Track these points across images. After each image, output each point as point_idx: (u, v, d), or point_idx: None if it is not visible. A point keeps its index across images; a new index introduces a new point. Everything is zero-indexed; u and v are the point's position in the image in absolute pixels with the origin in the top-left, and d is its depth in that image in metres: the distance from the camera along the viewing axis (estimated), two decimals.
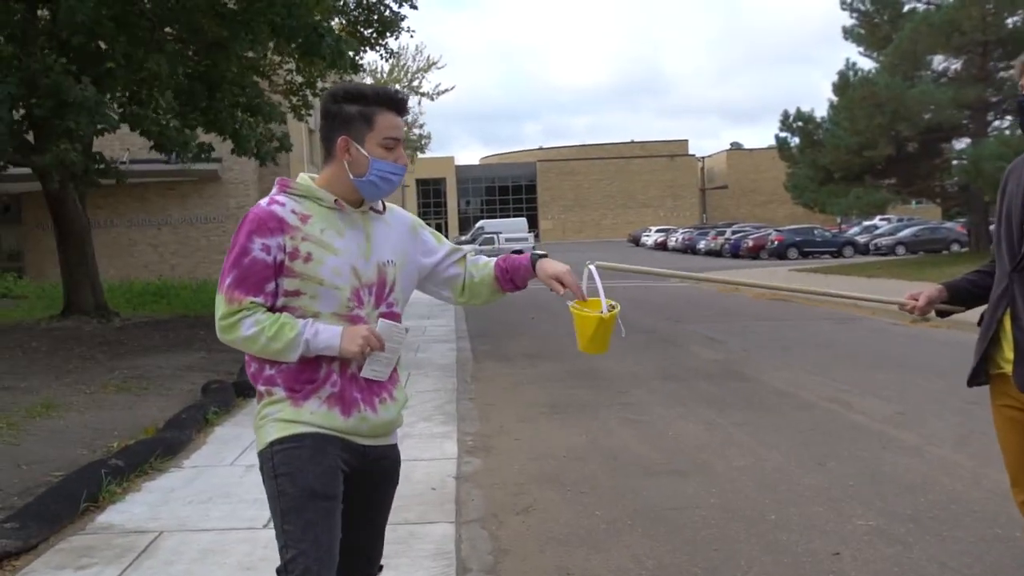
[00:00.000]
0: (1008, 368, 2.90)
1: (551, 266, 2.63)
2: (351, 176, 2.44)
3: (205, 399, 8.28)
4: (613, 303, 2.65)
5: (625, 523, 4.87)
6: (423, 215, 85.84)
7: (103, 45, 11.31)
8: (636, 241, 67.17)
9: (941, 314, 3.20)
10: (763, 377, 9.43)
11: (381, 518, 2.68)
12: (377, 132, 2.43)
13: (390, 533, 4.53)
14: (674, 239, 56.49)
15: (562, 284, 2.62)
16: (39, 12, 11.36)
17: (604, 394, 8.65)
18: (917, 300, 3.13)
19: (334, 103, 2.46)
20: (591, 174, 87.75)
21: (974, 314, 3.18)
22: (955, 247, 39.87)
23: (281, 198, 2.45)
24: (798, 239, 43.99)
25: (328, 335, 2.36)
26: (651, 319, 15.02)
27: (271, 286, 2.38)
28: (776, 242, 43.55)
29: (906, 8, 29.94)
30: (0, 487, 5.60)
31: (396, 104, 2.48)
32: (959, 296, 3.14)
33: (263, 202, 2.44)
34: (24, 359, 11.14)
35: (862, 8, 30.84)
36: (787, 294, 18.28)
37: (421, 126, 55.97)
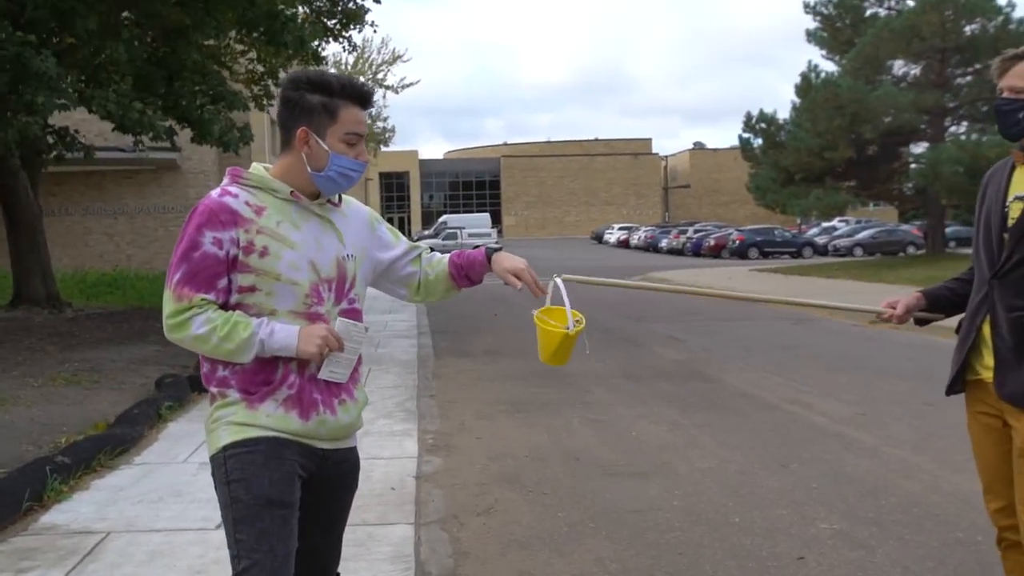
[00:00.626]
0: (986, 375, 2.89)
1: (507, 260, 2.58)
2: (309, 169, 2.34)
3: (159, 394, 8.11)
4: (579, 318, 2.59)
5: (587, 525, 4.82)
6: (386, 209, 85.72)
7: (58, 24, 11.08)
8: (599, 239, 67.48)
9: (919, 322, 3.20)
10: (725, 377, 9.46)
11: (339, 524, 2.59)
12: (340, 126, 2.33)
13: (348, 535, 4.41)
14: (636, 237, 56.85)
15: (518, 279, 2.55)
16: None
17: (566, 393, 8.60)
18: (895, 308, 3.12)
19: (295, 90, 2.34)
20: (555, 171, 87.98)
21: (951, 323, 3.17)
22: (911, 249, 40.52)
23: (234, 189, 2.33)
24: (759, 239, 44.44)
25: (284, 335, 2.26)
26: (612, 317, 14.95)
27: (223, 282, 2.26)
28: (737, 242, 44.00)
29: (868, 13, 30.32)
30: None
31: (362, 98, 2.38)
32: (938, 304, 3.13)
33: (214, 193, 2.32)
34: None
35: (825, 12, 31.17)
36: (773, 295, 18.44)
37: (385, 119, 55.75)
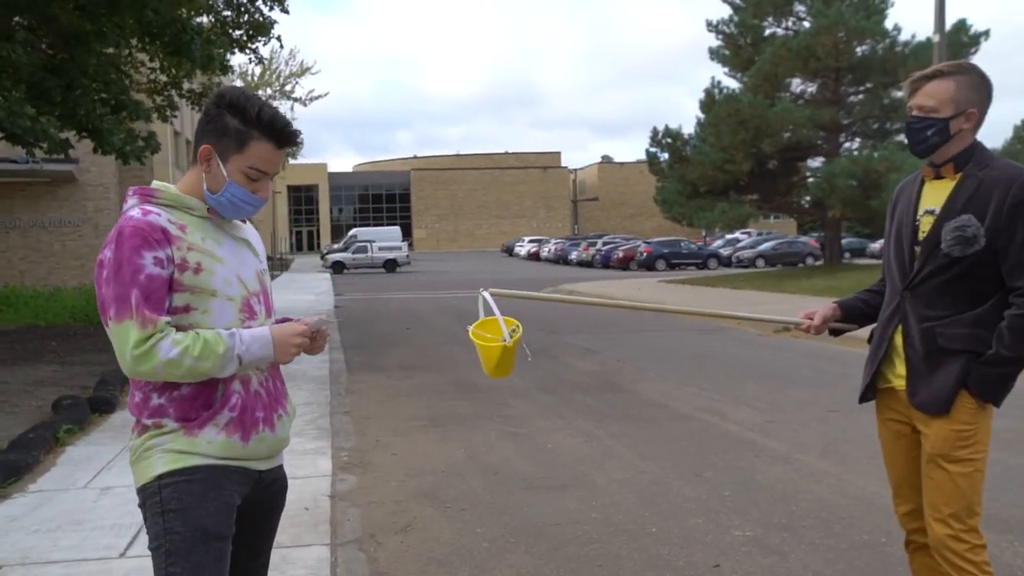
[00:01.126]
0: (898, 383, 2.95)
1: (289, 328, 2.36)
2: (204, 187, 2.28)
3: (56, 416, 7.77)
4: (515, 326, 2.59)
5: (507, 541, 4.79)
6: (295, 222, 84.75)
7: None
8: (510, 251, 67.78)
9: (834, 332, 3.27)
10: (638, 388, 9.54)
11: (268, 547, 2.56)
12: (245, 158, 2.26)
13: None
14: (547, 249, 57.23)
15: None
16: None
17: (483, 406, 8.58)
18: (812, 319, 3.18)
19: (216, 107, 2.27)
20: (465, 184, 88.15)
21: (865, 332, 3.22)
22: (810, 260, 41.76)
23: (150, 207, 2.23)
24: (666, 251, 45.18)
25: (259, 347, 2.23)
26: (527, 331, 14.94)
27: (171, 301, 2.18)
28: (645, 254, 44.61)
29: (767, 32, 31.19)
30: None
31: (280, 136, 2.29)
32: (851, 315, 3.20)
33: (134, 213, 2.19)
34: None
35: (727, 31, 31.93)
36: (656, 305, 18.68)
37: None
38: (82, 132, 12.66)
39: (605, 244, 49.92)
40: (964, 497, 2.78)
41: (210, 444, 2.20)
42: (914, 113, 2.85)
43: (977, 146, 2.86)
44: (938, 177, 2.91)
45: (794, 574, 4.25)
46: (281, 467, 2.51)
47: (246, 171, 2.26)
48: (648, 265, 43.77)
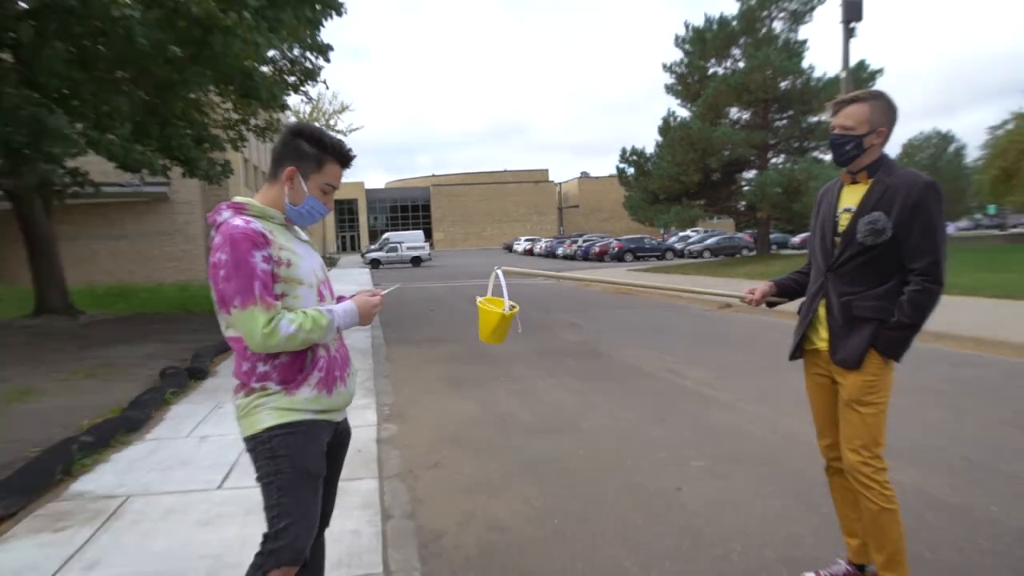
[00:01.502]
0: (821, 345, 2.98)
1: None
2: (287, 201, 2.31)
3: (163, 382, 7.82)
4: (514, 304, 2.59)
5: (514, 473, 4.83)
6: (340, 229, 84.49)
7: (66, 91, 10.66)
8: (509, 248, 67.45)
9: (771, 304, 3.28)
10: (614, 354, 9.54)
11: (337, 478, 2.60)
12: (322, 175, 2.32)
13: None
14: (539, 246, 56.96)
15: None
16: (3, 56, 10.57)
17: (493, 370, 8.59)
18: (754, 294, 3.21)
19: (295, 137, 2.31)
20: (473, 196, 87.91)
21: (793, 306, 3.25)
22: (745, 251, 41.58)
23: (248, 217, 2.24)
24: (632, 246, 45.05)
25: (350, 316, 2.32)
26: (526, 309, 14.94)
27: (276, 290, 2.22)
28: (616, 248, 44.51)
29: (711, 72, 31.03)
30: None
31: (345, 159, 2.35)
32: (784, 291, 3.23)
33: (237, 223, 2.18)
34: (2, 353, 10.34)
35: (679, 71, 31.79)
36: (630, 287, 18.66)
37: None
38: (175, 160, 12.67)
39: (584, 241, 49.68)
40: (871, 432, 2.84)
41: (306, 400, 2.25)
42: (836, 131, 2.87)
43: (885, 157, 2.88)
44: (854, 182, 2.93)
45: (738, 494, 4.29)
46: (346, 419, 2.56)
47: (322, 187, 2.32)
48: (619, 257, 43.65)
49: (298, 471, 2.21)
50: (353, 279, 31.05)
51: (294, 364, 2.25)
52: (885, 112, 2.84)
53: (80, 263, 25.24)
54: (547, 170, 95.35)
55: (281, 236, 2.26)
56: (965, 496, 4.13)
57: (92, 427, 5.97)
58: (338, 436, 2.47)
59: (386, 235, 50.95)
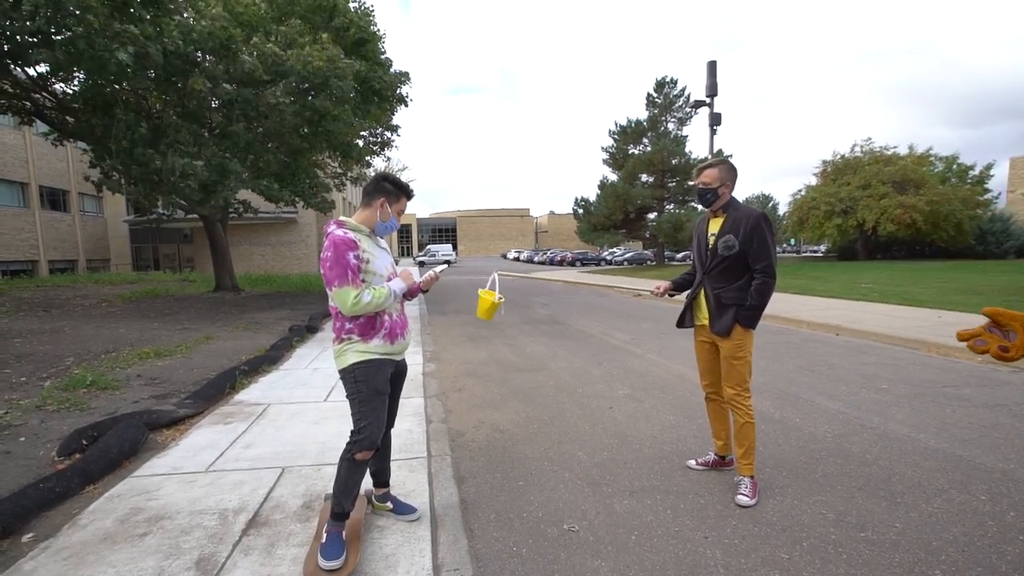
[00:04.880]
0: (704, 320, 2.93)
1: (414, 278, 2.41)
2: (378, 219, 2.25)
3: (290, 334, 7.73)
4: (502, 296, 2.56)
5: (508, 396, 4.76)
6: (400, 243, 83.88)
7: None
8: (505, 256, 66.96)
9: (671, 295, 3.20)
10: (570, 323, 9.47)
11: (398, 397, 2.52)
12: (399, 205, 2.29)
13: None
14: (523, 256, 56.68)
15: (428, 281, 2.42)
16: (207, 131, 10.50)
17: (495, 332, 8.52)
18: (659, 289, 3.15)
19: (384, 181, 2.28)
20: (484, 224, 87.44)
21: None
22: (649, 262, 41.50)
23: (344, 230, 2.21)
24: (581, 257, 44.90)
25: (399, 286, 2.26)
26: (513, 296, 14.90)
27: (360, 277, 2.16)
28: (571, 258, 44.40)
29: (630, 151, 30.86)
30: (182, 380, 5.07)
31: (410, 195, 2.32)
32: (677, 287, 3.15)
33: (339, 233, 2.15)
34: (195, 314, 10.18)
35: (611, 151, 31.59)
36: (589, 283, 18.57)
37: None
38: (299, 197, 12.47)
39: (551, 253, 49.52)
40: (741, 375, 2.80)
41: (377, 347, 2.20)
42: (700, 186, 2.85)
43: (733, 199, 2.83)
44: (715, 216, 2.88)
45: (647, 410, 4.23)
46: (405, 360, 2.47)
47: (397, 211, 2.27)
48: (572, 264, 43.51)
49: (371, 390, 2.17)
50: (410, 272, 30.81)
51: (368, 323, 2.21)
52: (729, 172, 2.81)
53: (242, 259, 25.17)
54: (528, 208, 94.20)
55: (366, 243, 2.22)
56: (781, 412, 4.10)
57: (248, 360, 5.89)
58: (399, 369, 2.41)
59: (428, 246, 50.55)
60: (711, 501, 2.73)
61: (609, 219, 29.39)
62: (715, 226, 2.86)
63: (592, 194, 33.86)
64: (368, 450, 2.17)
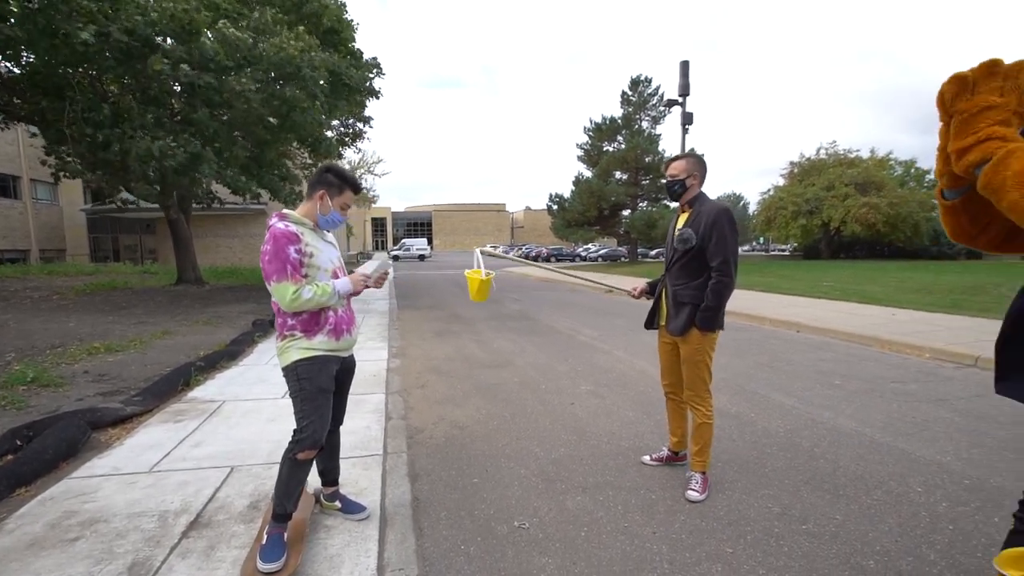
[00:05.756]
0: (664, 319, 2.92)
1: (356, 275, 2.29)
2: (318, 212, 2.18)
3: (253, 328, 7.53)
4: (490, 272, 2.49)
5: (472, 392, 4.73)
6: (375, 236, 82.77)
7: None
8: (480, 251, 66.80)
9: (648, 297, 3.08)
10: (540, 318, 9.47)
11: (346, 395, 2.46)
12: (342, 199, 2.20)
13: (352, 399, 4.19)
14: (499, 250, 56.49)
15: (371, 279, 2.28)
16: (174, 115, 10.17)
17: (463, 327, 8.46)
18: (636, 290, 3.08)
19: (327, 172, 2.20)
20: (460, 218, 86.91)
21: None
22: (623, 258, 42.01)
23: (288, 223, 2.14)
24: (556, 253, 45.13)
25: (344, 286, 2.18)
26: (494, 293, 14.88)
27: (302, 271, 2.10)
28: (545, 253, 44.54)
29: (605, 149, 31.07)
30: (133, 376, 4.87)
31: (356, 188, 2.24)
32: (653, 288, 3.07)
33: (280, 226, 2.09)
34: (154, 307, 9.83)
35: (586, 148, 31.78)
36: (562, 278, 18.64)
37: (374, 191, 53.67)
38: (267, 189, 12.15)
39: (527, 248, 49.59)
40: (701, 378, 2.78)
41: (320, 343, 2.15)
42: (668, 178, 2.84)
43: (701, 194, 2.79)
44: (683, 212, 2.86)
45: (608, 406, 4.25)
46: (352, 355, 2.41)
47: (340, 205, 2.19)
48: (547, 259, 43.67)
49: (315, 388, 2.11)
50: (380, 265, 30.51)
51: (312, 319, 2.16)
52: (697, 164, 2.79)
53: (208, 252, 24.47)
54: (505, 203, 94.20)
55: (309, 236, 2.16)
56: (737, 408, 4.17)
57: (205, 356, 5.71)
58: (346, 366, 2.35)
59: (403, 240, 49.88)
60: (662, 496, 2.76)
61: (583, 215, 29.55)
62: (682, 221, 2.81)
63: (567, 190, 34.01)
64: (311, 449, 2.11)
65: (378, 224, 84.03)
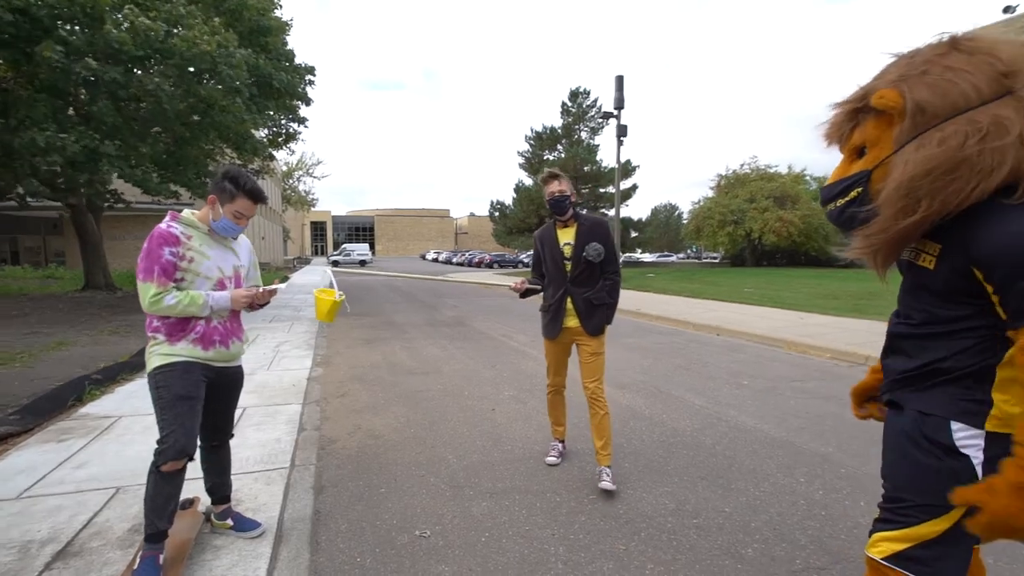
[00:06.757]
0: (573, 323, 3.01)
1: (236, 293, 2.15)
2: (210, 218, 2.08)
3: None
4: (342, 293, 2.40)
5: (394, 400, 4.64)
6: (314, 241, 79.73)
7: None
8: (424, 257, 65.98)
9: (523, 296, 3.17)
10: (474, 324, 9.45)
11: (232, 407, 2.33)
12: (235, 206, 2.09)
13: (265, 411, 4.01)
14: (442, 256, 56.06)
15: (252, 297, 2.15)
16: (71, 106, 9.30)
17: (394, 333, 8.30)
18: (520, 283, 3.12)
19: (223, 178, 2.09)
20: (403, 224, 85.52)
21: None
22: None
23: (174, 224, 2.05)
24: (499, 259, 45.17)
25: (223, 301, 2.07)
26: (427, 296, 14.71)
27: (176, 275, 2.00)
28: (489, 259, 44.56)
29: (545, 157, 31.68)
30: (14, 393, 4.42)
31: (254, 196, 2.10)
32: (532, 286, 3.14)
33: (162, 225, 2.01)
34: (52, 316, 8.97)
35: (527, 156, 32.26)
36: (468, 282, 18.65)
37: (313, 194, 51.79)
38: (186, 188, 11.42)
39: (470, 255, 49.41)
40: (602, 369, 2.95)
41: (183, 349, 2.04)
42: (557, 194, 2.96)
43: (577, 209, 3.02)
44: (565, 226, 2.99)
45: (528, 411, 4.29)
46: (239, 367, 2.28)
47: (233, 213, 2.09)
48: (489, 265, 43.63)
49: (172, 396, 2.00)
50: (318, 272, 29.36)
51: (178, 324, 2.06)
52: (572, 184, 3.01)
53: (124, 255, 22.68)
54: (449, 209, 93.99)
55: (198, 240, 2.06)
56: (651, 409, 4.32)
57: (105, 368, 5.28)
58: (226, 378, 2.23)
59: (344, 245, 48.45)
60: (566, 499, 2.82)
61: (524, 222, 29.94)
62: (567, 235, 2.95)
63: (509, 197, 34.27)
64: (175, 460, 1.99)
65: (318, 228, 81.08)
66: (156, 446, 2.01)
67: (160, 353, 2.04)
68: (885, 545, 1.28)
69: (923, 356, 1.26)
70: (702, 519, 2.62)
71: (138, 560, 1.99)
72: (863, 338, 7.40)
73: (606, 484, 2.84)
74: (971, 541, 1.22)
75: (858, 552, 2.33)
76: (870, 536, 1.33)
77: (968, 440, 1.19)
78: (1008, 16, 20.58)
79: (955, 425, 1.20)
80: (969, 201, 1.11)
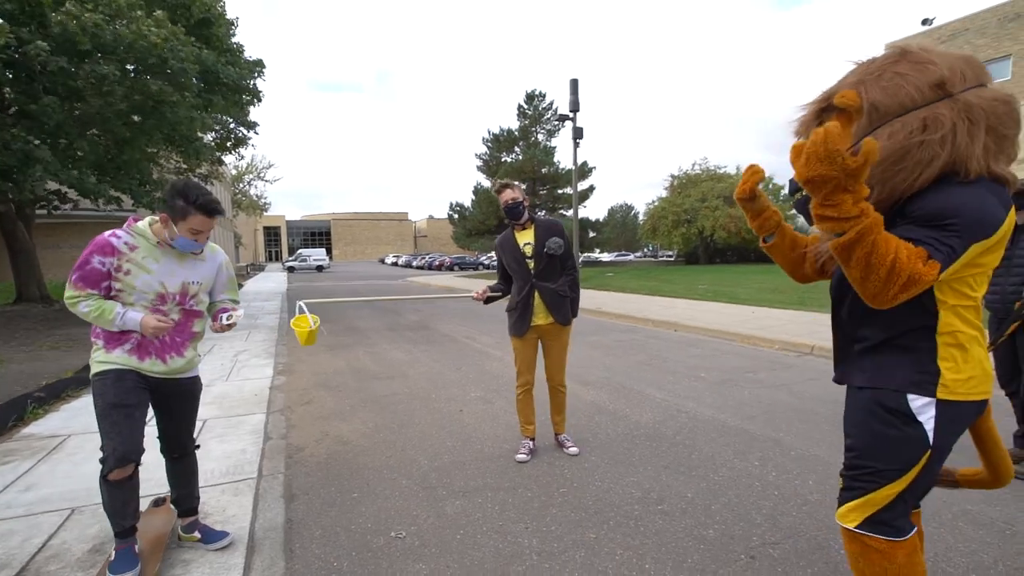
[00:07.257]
0: (544, 320, 3.13)
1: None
2: (166, 235, 2.05)
3: None
4: (316, 319, 2.47)
5: (360, 405, 4.61)
6: (268, 246, 77.00)
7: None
8: (383, 261, 64.80)
9: (487, 302, 3.31)
10: (438, 328, 9.42)
11: (187, 418, 2.27)
12: (189, 223, 2.02)
13: (228, 421, 3.91)
14: (401, 260, 55.26)
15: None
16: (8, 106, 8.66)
17: (358, 339, 8.19)
18: (481, 292, 3.25)
19: (170, 195, 2.01)
20: (361, 228, 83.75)
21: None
22: None
23: (120, 232, 2.02)
24: (459, 262, 44.92)
25: (132, 322, 2.01)
26: (389, 302, 14.48)
27: (105, 284, 1.97)
28: (449, 262, 44.25)
29: (503, 159, 31.82)
30: None
31: (208, 211, 2.02)
32: (495, 291, 3.28)
33: (106, 233, 1.99)
34: None
35: (484, 158, 32.31)
36: (460, 284, 18.60)
37: (265, 198, 50.05)
38: (127, 193, 10.83)
39: (430, 258, 48.92)
40: (566, 361, 3.19)
41: (118, 357, 2.02)
42: (511, 202, 3.10)
43: (532, 212, 3.20)
44: (523, 229, 3.15)
45: (495, 411, 4.34)
46: (192, 378, 2.23)
47: (188, 231, 2.03)
48: (450, 268, 43.35)
49: (106, 404, 1.98)
50: (273, 279, 28.42)
51: (114, 334, 2.03)
52: (524, 190, 3.19)
53: (61, 265, 21.23)
54: (407, 212, 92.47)
55: (143, 252, 2.01)
56: (615, 404, 4.46)
57: (48, 385, 4.97)
58: (175, 386, 2.18)
59: (299, 251, 47.00)
60: (537, 493, 2.90)
61: (483, 224, 29.97)
62: (527, 236, 3.14)
63: (468, 199, 34.21)
64: (120, 468, 1.96)
65: (271, 233, 78.36)
66: (101, 456, 1.99)
67: (97, 360, 2.04)
68: (854, 515, 1.42)
69: (873, 333, 1.39)
70: (666, 505, 2.76)
71: (113, 553, 1.97)
72: (808, 328, 7.88)
73: (574, 449, 3.28)
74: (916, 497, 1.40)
75: (808, 526, 2.52)
76: (839, 507, 1.47)
77: (923, 408, 1.32)
78: (926, 27, 22.32)
79: (911, 396, 1.33)
80: (913, 189, 1.26)
